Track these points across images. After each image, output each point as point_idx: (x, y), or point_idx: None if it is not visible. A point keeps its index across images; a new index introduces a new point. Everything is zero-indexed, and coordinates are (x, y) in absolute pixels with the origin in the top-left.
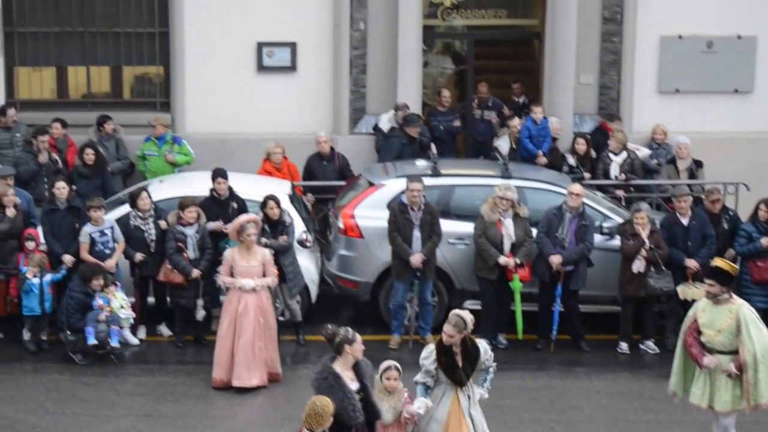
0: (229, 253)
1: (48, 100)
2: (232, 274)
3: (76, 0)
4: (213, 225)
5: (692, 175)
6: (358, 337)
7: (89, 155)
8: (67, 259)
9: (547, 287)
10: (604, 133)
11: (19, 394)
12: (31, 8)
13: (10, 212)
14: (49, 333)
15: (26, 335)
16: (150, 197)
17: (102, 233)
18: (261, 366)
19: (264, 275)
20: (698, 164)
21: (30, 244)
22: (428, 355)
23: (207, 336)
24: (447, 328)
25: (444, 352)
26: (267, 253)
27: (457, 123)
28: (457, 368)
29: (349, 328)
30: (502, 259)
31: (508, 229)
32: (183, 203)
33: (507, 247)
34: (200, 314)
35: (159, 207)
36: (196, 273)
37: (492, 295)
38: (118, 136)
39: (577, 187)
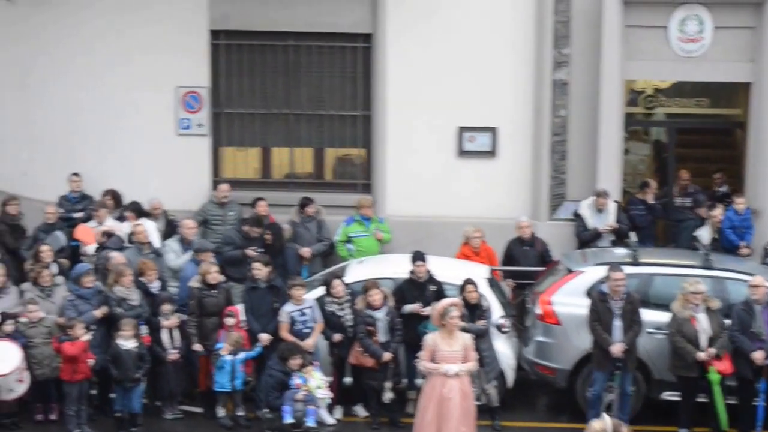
0: (431, 338)
1: (252, 179)
2: (433, 359)
3: (281, 83)
4: (411, 307)
5: None
6: None
7: (267, 236)
8: (264, 337)
9: (748, 382)
10: None
11: None
12: (238, 90)
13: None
14: (246, 410)
15: (220, 411)
16: (343, 284)
17: (302, 313)
18: None
19: (465, 360)
20: None
21: (230, 321)
22: None
23: (402, 418)
24: None
25: None
26: (468, 338)
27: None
28: None
29: None
30: (701, 355)
31: (703, 324)
32: (366, 287)
33: (704, 342)
34: (387, 396)
35: (357, 290)
36: (387, 356)
37: (692, 392)
38: (319, 218)
39: (757, 279)
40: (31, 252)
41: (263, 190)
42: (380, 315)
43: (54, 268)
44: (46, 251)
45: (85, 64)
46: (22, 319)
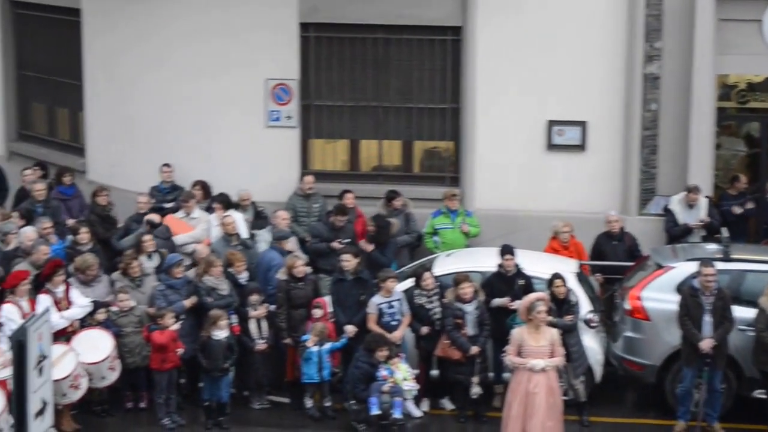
0: (518, 333)
1: (340, 171)
2: (519, 354)
3: (370, 75)
4: (499, 301)
5: None
6: None
7: (371, 228)
8: (349, 329)
9: None
10: None
11: None
12: (327, 83)
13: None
14: (334, 401)
15: (308, 402)
16: (433, 277)
17: (390, 305)
18: None
19: (552, 355)
20: None
21: (317, 312)
22: None
23: (487, 412)
24: None
25: None
26: (555, 333)
27: (749, 205)
28: None
29: None
30: None
31: None
32: (457, 279)
33: None
34: (474, 391)
35: (444, 283)
36: (474, 350)
37: None
38: (407, 211)
39: None
40: (134, 241)
41: (351, 183)
42: (470, 308)
43: (156, 259)
44: (148, 241)
45: (176, 57)
46: (113, 308)
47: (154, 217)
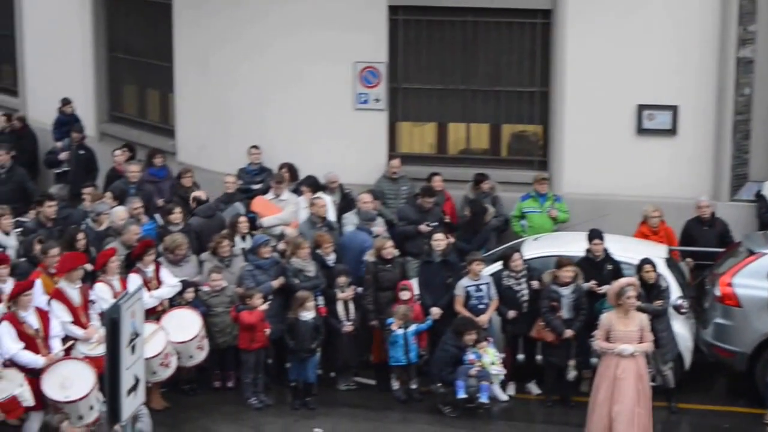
0: (606, 318)
1: (428, 154)
2: (608, 339)
3: (459, 58)
4: (587, 285)
5: None
6: None
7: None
8: (435, 311)
9: None
10: None
11: None
12: (415, 66)
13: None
14: (420, 383)
15: (394, 385)
16: (522, 258)
17: (478, 288)
18: None
19: (641, 340)
20: None
21: (404, 295)
22: None
23: (575, 397)
24: None
25: None
26: (644, 318)
27: None
28: None
29: None
30: None
31: None
32: (560, 262)
33: None
34: (571, 375)
35: (532, 266)
36: (568, 333)
37: None
38: (494, 194)
39: None
40: (229, 222)
41: (438, 166)
42: (566, 292)
43: (249, 241)
44: (243, 222)
45: (264, 40)
46: (205, 288)
47: (201, 194)
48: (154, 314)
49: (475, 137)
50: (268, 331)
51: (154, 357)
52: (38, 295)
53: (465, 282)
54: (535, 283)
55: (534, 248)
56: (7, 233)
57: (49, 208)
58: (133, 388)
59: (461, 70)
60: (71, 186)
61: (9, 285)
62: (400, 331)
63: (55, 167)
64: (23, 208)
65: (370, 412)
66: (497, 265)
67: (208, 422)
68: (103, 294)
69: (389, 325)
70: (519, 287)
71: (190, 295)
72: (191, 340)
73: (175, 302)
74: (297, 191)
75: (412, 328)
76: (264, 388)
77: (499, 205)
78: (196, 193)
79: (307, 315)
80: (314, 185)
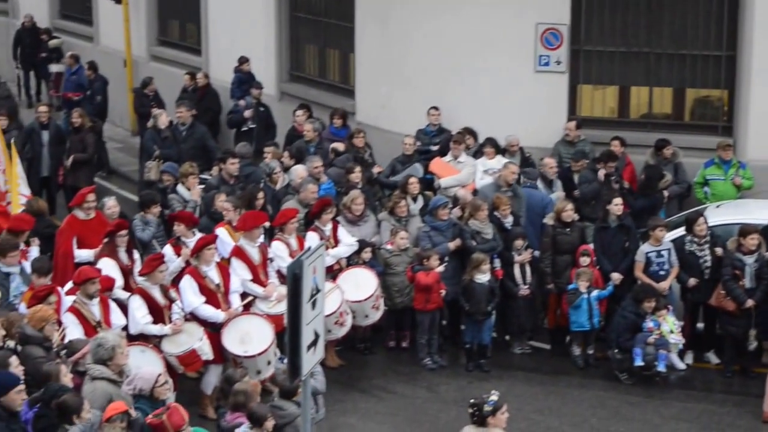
0: None
1: (608, 118)
2: None
3: (643, 21)
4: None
5: None
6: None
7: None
8: (615, 276)
9: None
10: None
11: (564, 407)
12: (598, 27)
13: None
14: (596, 349)
15: (575, 350)
16: (707, 223)
17: (659, 254)
18: None
19: None
20: None
21: (584, 260)
22: None
23: (755, 368)
24: None
25: None
26: None
27: None
28: None
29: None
30: None
31: None
32: (745, 230)
33: None
34: (752, 345)
35: (715, 233)
36: (750, 302)
37: None
38: (676, 160)
39: None
40: (400, 183)
41: (619, 130)
42: (749, 260)
43: (420, 201)
44: (413, 183)
45: (448, 3)
46: (388, 246)
47: (339, 145)
48: (330, 273)
49: (657, 101)
50: (443, 292)
51: (329, 315)
52: (225, 243)
53: (646, 248)
54: (719, 250)
55: (717, 215)
56: (189, 189)
57: (232, 165)
58: (313, 344)
59: (645, 33)
60: (255, 143)
61: (193, 240)
62: (585, 295)
63: (238, 126)
64: (204, 166)
65: (544, 376)
66: (678, 231)
67: (383, 381)
68: (280, 252)
69: (574, 289)
70: (702, 253)
71: (367, 254)
72: (367, 299)
73: (352, 261)
74: (478, 153)
75: (594, 293)
76: (438, 349)
77: (681, 171)
78: (334, 145)
79: (483, 277)
80: (495, 147)
